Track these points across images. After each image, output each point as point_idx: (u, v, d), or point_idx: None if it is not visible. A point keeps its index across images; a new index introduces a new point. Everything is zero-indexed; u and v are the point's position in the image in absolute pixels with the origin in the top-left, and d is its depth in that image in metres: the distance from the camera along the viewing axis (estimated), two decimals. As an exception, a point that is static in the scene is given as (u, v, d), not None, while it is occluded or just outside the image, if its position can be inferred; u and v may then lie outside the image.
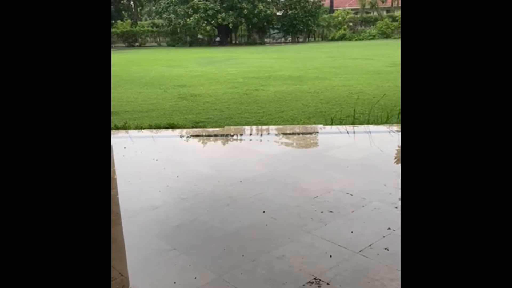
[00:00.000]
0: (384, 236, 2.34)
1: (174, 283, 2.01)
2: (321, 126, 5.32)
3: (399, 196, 2.88)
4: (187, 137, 5.10)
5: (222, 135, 4.95)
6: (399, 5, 36.92)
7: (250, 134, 5.17)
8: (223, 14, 31.35)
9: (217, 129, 5.31)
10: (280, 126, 5.44)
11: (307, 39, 35.26)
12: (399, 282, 1.92)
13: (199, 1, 31.46)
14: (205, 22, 32.72)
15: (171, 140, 5.01)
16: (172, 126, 5.50)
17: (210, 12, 31.50)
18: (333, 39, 33.10)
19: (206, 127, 5.48)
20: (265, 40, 35.37)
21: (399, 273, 1.99)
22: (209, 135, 5.01)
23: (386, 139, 4.66)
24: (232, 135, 4.99)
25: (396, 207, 2.72)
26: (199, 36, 33.63)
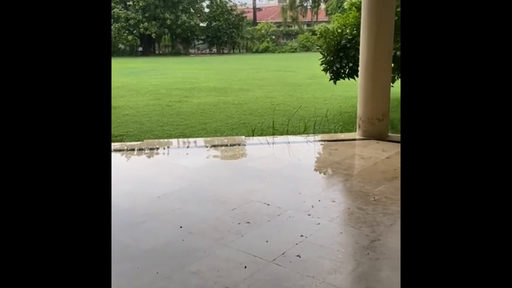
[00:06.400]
0: (296, 244, 2.44)
1: (82, 308, 1.91)
2: (243, 137, 5.40)
3: (312, 204, 3.02)
4: (104, 152, 4.88)
5: (141, 149, 4.82)
6: (318, 20, 38.94)
7: (169, 148, 5.09)
8: (146, 24, 30.71)
9: (136, 142, 5.16)
10: (202, 139, 5.44)
11: (232, 50, 35.75)
12: (309, 288, 2.01)
13: (119, 10, 30.50)
14: (127, 31, 31.79)
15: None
16: (88, 141, 5.23)
17: (131, 22, 30.68)
18: (257, 51, 33.92)
19: (124, 141, 5.30)
20: (190, 50, 35.22)
21: (310, 279, 2.08)
22: (128, 149, 4.85)
23: (303, 149, 4.86)
24: (152, 149, 4.87)
25: (309, 215, 2.84)
26: (121, 45, 32.57)
